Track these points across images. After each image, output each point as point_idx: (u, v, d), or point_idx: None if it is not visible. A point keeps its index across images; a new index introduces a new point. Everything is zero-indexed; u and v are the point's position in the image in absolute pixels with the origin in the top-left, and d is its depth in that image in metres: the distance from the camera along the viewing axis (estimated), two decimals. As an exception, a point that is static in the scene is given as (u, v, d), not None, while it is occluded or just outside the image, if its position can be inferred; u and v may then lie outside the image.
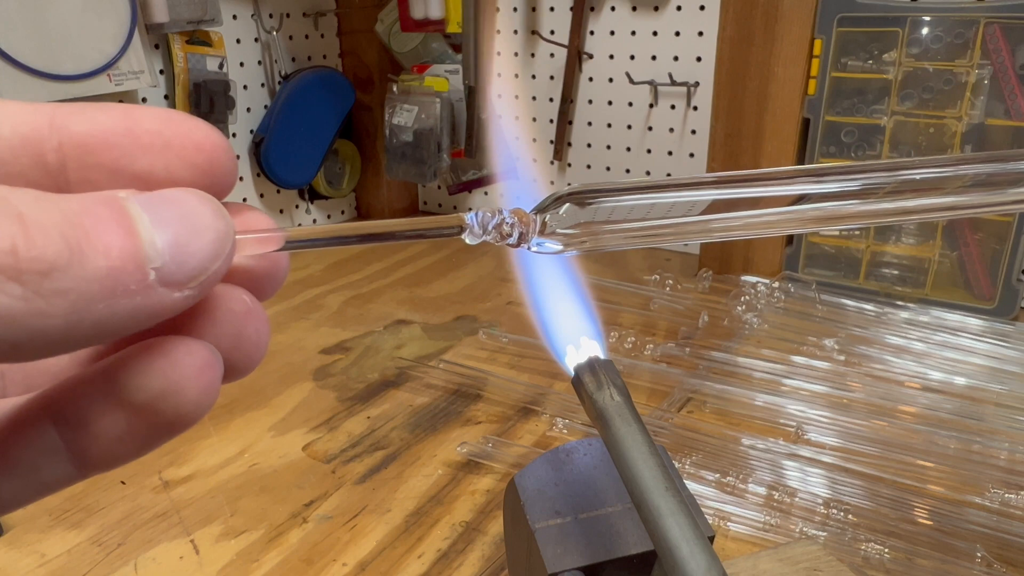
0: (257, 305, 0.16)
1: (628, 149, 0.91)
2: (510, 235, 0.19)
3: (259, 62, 0.89)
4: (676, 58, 0.85)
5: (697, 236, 0.20)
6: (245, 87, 0.88)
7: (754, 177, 0.20)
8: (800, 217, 0.20)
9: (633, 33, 0.87)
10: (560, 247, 0.20)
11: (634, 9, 0.86)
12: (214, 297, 0.15)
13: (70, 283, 0.12)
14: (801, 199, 0.20)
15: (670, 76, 0.85)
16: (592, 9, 0.89)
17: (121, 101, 0.76)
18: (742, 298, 0.71)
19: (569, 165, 0.96)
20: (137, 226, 0.13)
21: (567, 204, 0.19)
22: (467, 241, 0.19)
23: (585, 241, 0.19)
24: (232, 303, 0.15)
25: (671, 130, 0.88)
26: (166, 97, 0.80)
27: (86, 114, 0.14)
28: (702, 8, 0.83)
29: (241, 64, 0.87)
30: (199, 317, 0.15)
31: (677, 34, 0.85)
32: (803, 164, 0.76)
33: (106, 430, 0.14)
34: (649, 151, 0.90)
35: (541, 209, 0.19)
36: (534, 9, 0.92)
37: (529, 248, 0.19)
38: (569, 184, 0.97)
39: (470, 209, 0.19)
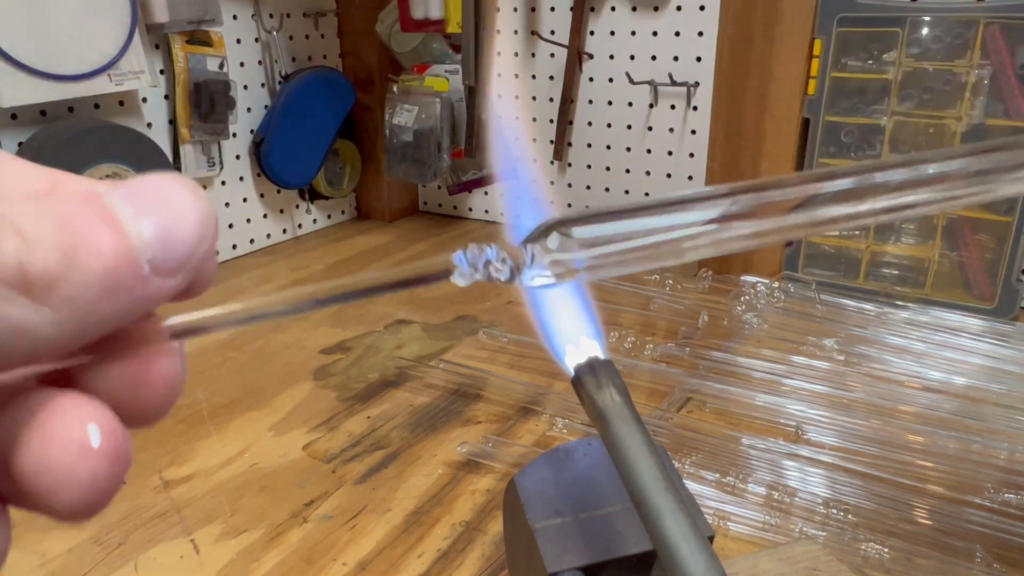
0: (110, 439, 0.14)
1: (628, 149, 0.91)
2: (501, 271, 0.18)
3: (259, 62, 0.89)
4: (676, 58, 0.85)
5: (695, 252, 0.19)
6: (245, 87, 0.88)
7: (741, 189, 0.19)
8: (795, 224, 0.20)
9: (633, 33, 0.87)
10: (555, 279, 0.19)
11: (634, 9, 0.86)
12: (55, 416, 0.14)
13: (73, 290, 0.12)
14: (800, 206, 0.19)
15: (670, 76, 0.85)
16: (592, 9, 0.89)
17: (122, 102, 0.76)
18: (742, 298, 0.71)
19: (569, 165, 0.96)
20: (122, 222, 0.13)
21: (554, 234, 0.18)
22: (457, 283, 0.18)
23: (581, 271, 0.19)
24: (71, 432, 0.13)
25: (671, 130, 0.88)
26: (166, 97, 0.80)
27: (87, 184, 0.14)
28: (702, 8, 0.83)
29: (241, 64, 0.87)
30: (34, 432, 0.13)
31: (677, 34, 0.85)
32: (803, 165, 0.76)
33: (15, 499, 0.14)
34: (649, 151, 0.90)
35: (530, 240, 0.19)
36: (534, 9, 0.92)
37: (522, 283, 0.19)
38: (569, 185, 0.97)
39: (465, 247, 0.18)
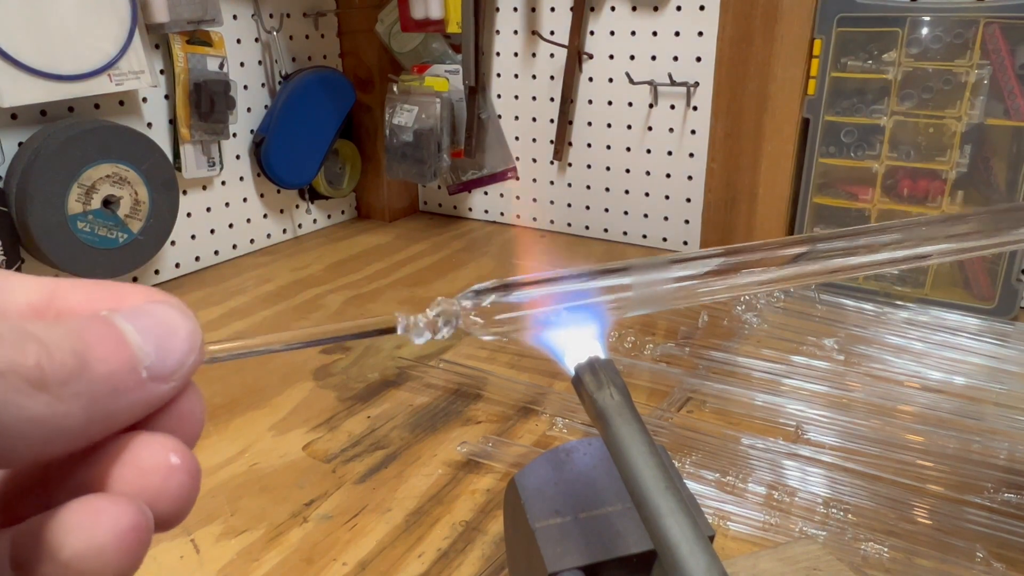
0: (185, 459, 0.17)
1: (628, 149, 0.91)
2: (442, 326, 0.24)
3: (259, 62, 0.89)
4: (676, 58, 0.85)
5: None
6: (245, 87, 0.88)
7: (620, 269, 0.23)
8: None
9: (633, 33, 0.87)
10: (489, 334, 0.23)
11: (634, 9, 0.86)
12: (140, 450, 0.16)
13: (83, 387, 0.15)
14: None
15: (670, 76, 0.85)
16: (592, 9, 0.89)
17: (122, 102, 0.76)
18: (742, 298, 0.71)
19: (570, 165, 0.96)
20: (126, 336, 0.16)
21: (492, 295, 0.23)
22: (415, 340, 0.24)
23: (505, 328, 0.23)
24: (156, 458, 0.16)
25: (671, 130, 0.88)
26: (167, 97, 0.80)
27: (81, 289, 0.17)
28: (702, 8, 0.83)
29: (241, 64, 0.87)
30: (126, 467, 0.16)
31: (677, 34, 0.85)
32: (803, 164, 0.76)
33: None
34: (649, 151, 0.90)
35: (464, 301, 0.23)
36: (534, 9, 0.92)
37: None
38: (569, 184, 0.97)
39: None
